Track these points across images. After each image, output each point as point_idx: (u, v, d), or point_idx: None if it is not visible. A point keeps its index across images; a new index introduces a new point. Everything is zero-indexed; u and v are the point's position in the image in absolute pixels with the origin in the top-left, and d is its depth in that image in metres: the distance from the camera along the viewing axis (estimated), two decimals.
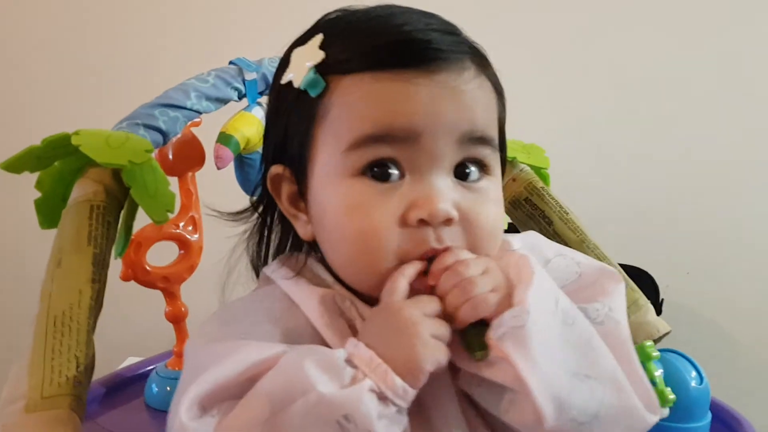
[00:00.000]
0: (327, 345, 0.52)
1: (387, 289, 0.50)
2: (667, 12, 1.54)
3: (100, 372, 0.63)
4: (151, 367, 0.91)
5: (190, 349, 0.54)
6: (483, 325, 0.49)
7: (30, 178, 0.69)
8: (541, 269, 0.53)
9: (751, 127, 1.56)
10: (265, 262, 0.62)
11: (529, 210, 0.89)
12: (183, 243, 0.83)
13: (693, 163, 1.58)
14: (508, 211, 0.90)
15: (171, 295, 0.82)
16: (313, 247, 0.59)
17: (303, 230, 0.58)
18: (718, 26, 1.54)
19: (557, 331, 0.49)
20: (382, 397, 0.45)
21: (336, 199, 0.53)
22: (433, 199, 0.51)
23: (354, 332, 0.52)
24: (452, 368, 0.51)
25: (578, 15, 1.55)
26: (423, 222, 0.51)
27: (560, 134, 1.52)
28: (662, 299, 1.46)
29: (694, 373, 0.81)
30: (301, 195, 0.57)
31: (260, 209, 0.62)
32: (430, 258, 0.52)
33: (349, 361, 0.46)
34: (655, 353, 0.76)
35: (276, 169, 0.58)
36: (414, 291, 0.51)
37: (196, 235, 0.84)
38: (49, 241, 0.64)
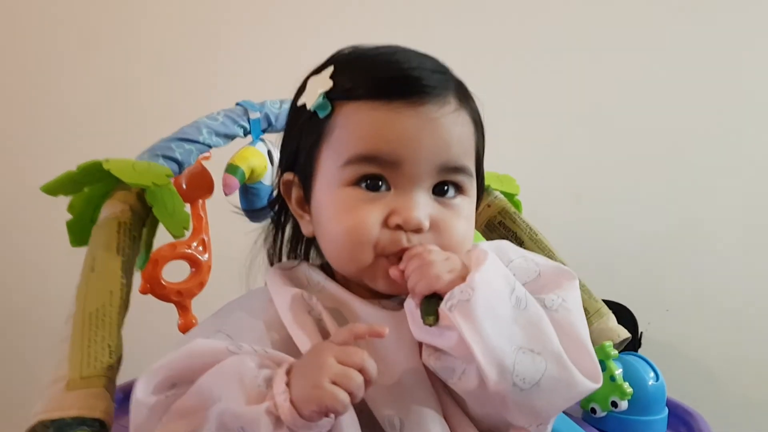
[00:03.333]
0: (291, 337, 0.60)
1: (335, 333, 0.58)
2: (645, 52, 1.61)
3: (118, 380, 0.69)
4: None
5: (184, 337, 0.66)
6: (437, 298, 0.56)
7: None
8: (498, 261, 0.61)
9: (728, 167, 1.62)
10: (279, 254, 0.72)
11: (503, 232, 0.98)
12: (194, 262, 0.92)
13: (670, 203, 1.63)
14: (483, 233, 1.00)
15: (183, 308, 0.91)
16: (312, 242, 0.69)
17: (306, 228, 0.68)
18: (693, 57, 1.60)
19: (508, 311, 0.57)
20: (277, 420, 0.51)
21: (333, 202, 0.63)
22: (410, 209, 0.60)
23: (320, 326, 0.62)
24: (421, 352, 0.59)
25: (558, 60, 1.61)
26: (399, 227, 0.60)
27: (540, 178, 1.58)
28: (641, 332, 1.52)
29: (651, 373, 0.90)
30: (306, 199, 0.67)
31: (275, 209, 0.72)
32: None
33: (268, 381, 0.53)
34: (614, 352, 0.86)
35: (288, 176, 0.68)
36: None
37: (206, 255, 0.93)
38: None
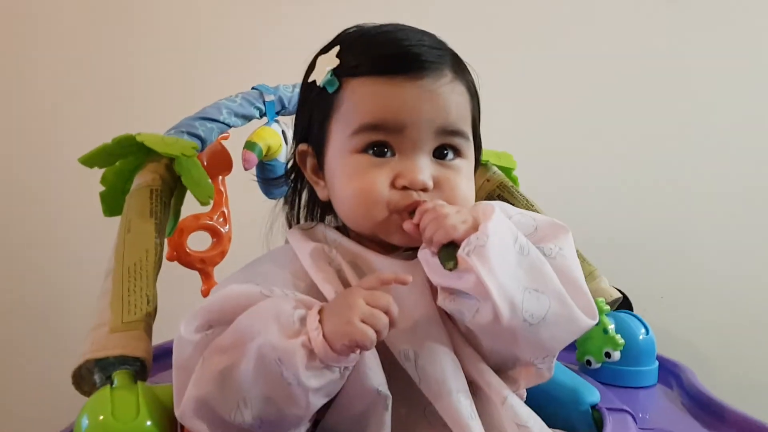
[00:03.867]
0: (317, 286, 0.66)
1: (363, 280, 0.63)
2: (636, 44, 1.64)
3: None
4: None
5: (212, 290, 0.72)
6: (454, 246, 0.62)
7: None
8: (502, 214, 0.65)
9: (722, 154, 1.62)
10: (297, 217, 0.79)
11: None
12: (215, 233, 0.99)
13: (664, 189, 1.64)
14: None
15: (206, 275, 0.97)
16: (328, 206, 0.75)
17: (321, 193, 0.75)
18: (680, 53, 1.62)
19: (514, 257, 0.62)
20: (311, 353, 0.56)
21: (344, 168, 0.69)
22: (414, 171, 0.67)
23: (340, 275, 0.68)
24: (434, 294, 0.65)
25: (549, 55, 1.64)
26: (406, 188, 0.67)
27: (534, 169, 1.61)
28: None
29: (642, 328, 0.97)
30: (320, 167, 0.74)
31: (292, 177, 0.79)
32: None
33: (302, 319, 0.58)
34: (606, 307, 0.92)
35: (302, 146, 0.75)
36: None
37: (227, 227, 1.00)
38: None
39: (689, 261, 1.66)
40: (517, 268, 0.62)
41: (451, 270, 0.61)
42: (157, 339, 0.73)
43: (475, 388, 0.65)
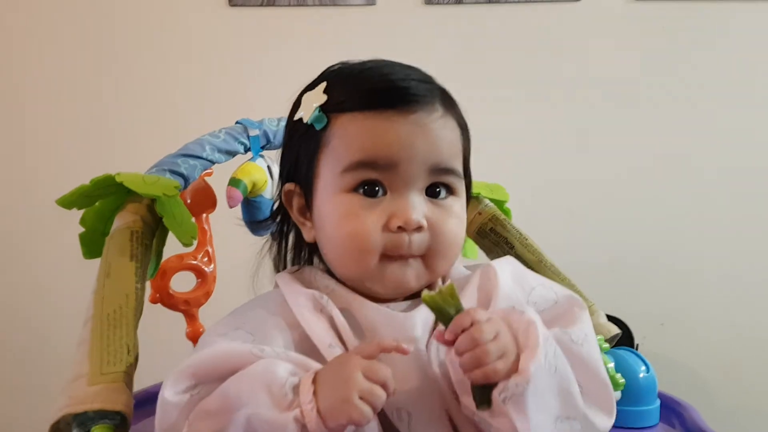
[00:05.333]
0: (308, 335, 0.63)
1: (359, 347, 0.60)
2: (634, 75, 1.67)
3: None
4: None
5: (201, 339, 0.68)
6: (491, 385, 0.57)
7: None
8: (544, 330, 0.60)
9: (724, 177, 1.65)
10: (284, 261, 0.76)
11: (494, 238, 1.01)
12: (200, 273, 0.96)
13: (665, 219, 1.67)
14: (475, 240, 1.03)
15: (191, 317, 0.94)
16: (315, 249, 0.72)
17: (308, 235, 0.72)
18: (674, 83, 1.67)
19: (547, 385, 0.58)
20: (303, 427, 0.54)
21: (334, 209, 0.66)
22: (408, 211, 0.64)
23: (332, 324, 0.64)
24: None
25: (547, 88, 1.68)
26: (401, 228, 0.64)
27: (532, 194, 1.61)
28: (637, 345, 1.56)
29: (642, 366, 0.94)
30: (307, 207, 0.71)
31: (278, 219, 0.76)
32: (446, 317, 0.59)
33: (295, 389, 0.56)
34: (605, 345, 0.90)
35: (289, 186, 0.72)
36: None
37: (211, 266, 0.97)
38: None
39: (690, 287, 1.68)
40: (549, 396, 0.59)
41: (484, 410, 0.58)
42: (140, 384, 0.71)
43: None
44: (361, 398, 0.54)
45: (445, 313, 0.59)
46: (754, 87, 1.69)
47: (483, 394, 0.57)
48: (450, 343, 0.58)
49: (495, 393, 0.57)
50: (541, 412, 0.57)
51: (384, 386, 0.55)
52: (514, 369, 0.57)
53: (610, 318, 1.48)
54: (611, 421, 0.62)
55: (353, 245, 0.65)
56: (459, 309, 0.60)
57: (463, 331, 0.58)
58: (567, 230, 1.67)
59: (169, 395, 0.58)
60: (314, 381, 0.56)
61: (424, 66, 0.70)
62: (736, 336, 1.67)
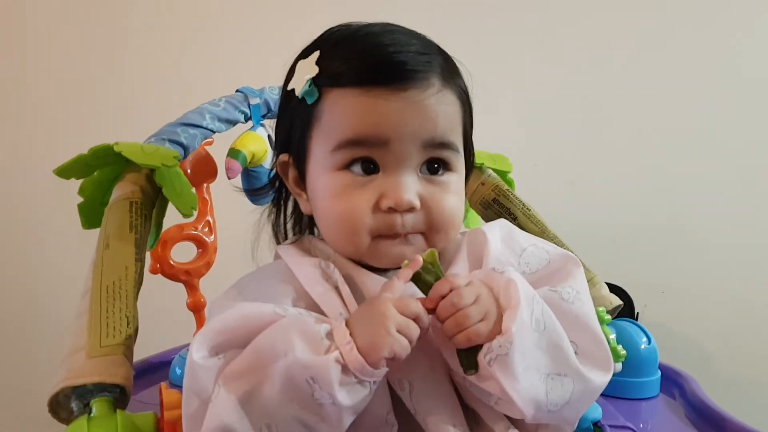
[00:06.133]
0: (316, 303, 0.62)
1: (386, 285, 0.60)
2: (636, 47, 1.65)
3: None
4: (174, 355, 1.02)
5: (210, 308, 0.66)
6: (476, 347, 0.57)
7: None
8: (525, 285, 0.60)
9: (725, 149, 1.64)
10: (284, 230, 0.75)
11: (497, 209, 1.00)
12: (200, 243, 0.96)
13: (667, 186, 1.65)
14: (479, 211, 1.03)
15: (192, 287, 0.94)
16: (313, 219, 0.71)
17: (304, 206, 0.71)
18: (685, 55, 1.64)
19: (533, 342, 0.57)
20: (345, 368, 0.53)
21: (325, 187, 0.65)
22: (399, 191, 0.62)
23: (338, 292, 0.63)
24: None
25: (552, 53, 1.65)
26: (391, 209, 0.62)
27: (535, 164, 1.60)
28: (637, 313, 1.54)
29: (644, 337, 0.94)
30: (301, 179, 0.70)
31: (276, 187, 0.75)
32: (427, 285, 0.60)
33: (329, 334, 0.55)
34: (607, 317, 0.89)
35: (283, 157, 0.71)
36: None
37: (212, 237, 0.97)
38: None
39: (691, 256, 1.67)
40: (537, 352, 0.58)
41: (472, 375, 0.58)
42: (140, 354, 0.70)
43: (476, 418, 0.62)
44: (398, 331, 0.55)
45: (425, 281, 0.60)
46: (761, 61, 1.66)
47: (469, 358, 0.57)
48: (432, 311, 0.58)
49: (480, 356, 0.57)
50: (529, 371, 0.57)
51: (417, 320, 0.56)
52: (497, 330, 0.57)
53: (611, 286, 1.48)
54: (608, 377, 0.61)
55: (344, 225, 0.64)
56: (439, 276, 0.60)
57: (442, 297, 0.58)
58: (569, 198, 1.66)
59: (198, 358, 0.57)
60: (347, 325, 0.56)
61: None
62: (737, 305, 1.66)
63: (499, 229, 0.69)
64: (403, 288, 0.59)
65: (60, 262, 1.47)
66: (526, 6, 1.66)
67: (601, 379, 0.60)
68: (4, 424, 1.60)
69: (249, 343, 0.57)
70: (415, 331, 0.56)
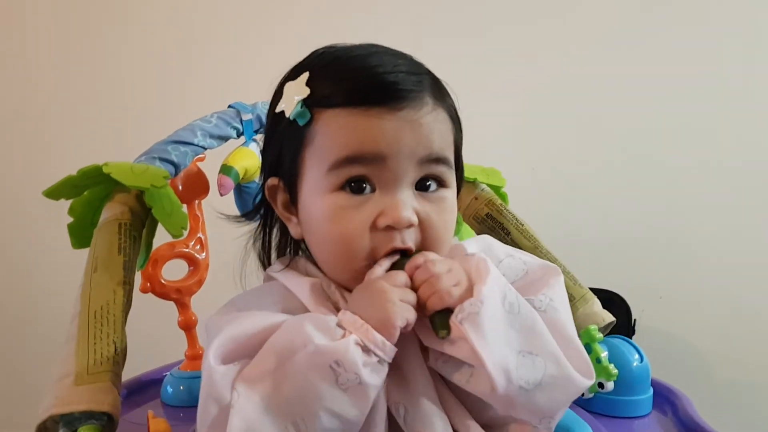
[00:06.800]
0: None
1: (368, 274, 0.61)
2: (634, 51, 1.64)
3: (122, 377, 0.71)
4: (165, 373, 1.01)
5: (209, 324, 0.64)
6: (447, 311, 0.59)
7: None
8: (496, 269, 0.62)
9: (722, 153, 1.64)
10: (268, 255, 0.74)
11: (490, 224, 1.00)
12: (192, 260, 0.95)
13: (664, 192, 1.65)
14: (473, 226, 1.02)
15: (183, 306, 0.94)
16: (302, 244, 0.71)
17: (294, 230, 0.69)
18: (680, 59, 1.64)
19: (504, 319, 0.59)
20: (365, 349, 0.55)
21: (320, 209, 0.64)
22: (398, 208, 0.62)
23: (338, 312, 0.62)
24: (424, 350, 0.62)
25: (551, 57, 1.65)
26: (390, 227, 0.62)
27: (532, 172, 1.62)
28: (635, 320, 1.55)
29: (636, 354, 0.93)
30: (292, 202, 0.69)
31: (261, 212, 0.74)
32: (401, 252, 0.63)
33: (339, 325, 0.57)
34: (599, 335, 0.89)
35: (272, 181, 0.69)
36: None
37: (204, 254, 0.96)
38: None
39: (688, 260, 1.67)
40: (509, 330, 0.59)
41: (443, 338, 0.59)
42: (132, 372, 0.70)
43: None
44: (401, 300, 0.58)
45: (401, 264, 0.62)
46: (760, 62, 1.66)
47: (442, 320, 0.59)
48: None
49: (452, 318, 0.58)
50: (500, 342, 0.58)
51: (409, 287, 0.60)
52: (468, 296, 0.59)
53: (608, 292, 1.49)
54: (589, 382, 0.61)
55: (341, 248, 0.63)
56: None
57: (417, 267, 0.61)
58: (566, 203, 1.66)
59: (215, 364, 0.57)
60: (352, 312, 0.58)
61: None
62: (734, 309, 1.66)
63: (476, 243, 0.70)
64: (383, 272, 0.61)
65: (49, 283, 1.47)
66: (525, 5, 1.65)
67: (581, 379, 0.60)
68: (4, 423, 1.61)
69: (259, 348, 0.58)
70: (412, 297, 0.59)
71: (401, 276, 0.60)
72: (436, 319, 0.59)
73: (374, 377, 0.56)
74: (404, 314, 0.58)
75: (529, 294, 0.63)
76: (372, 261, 0.63)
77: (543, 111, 1.65)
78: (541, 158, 1.64)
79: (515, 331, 0.59)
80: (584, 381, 0.60)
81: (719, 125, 1.64)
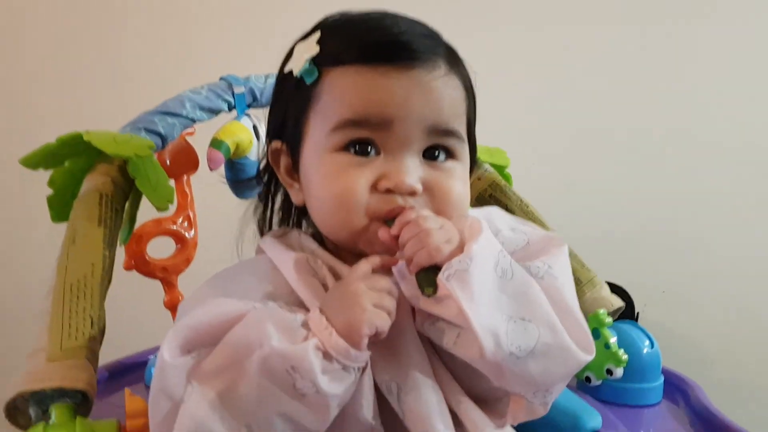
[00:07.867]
0: (301, 300, 0.59)
1: (353, 269, 0.58)
2: (637, 47, 1.63)
3: (103, 360, 0.69)
4: (150, 356, 0.98)
5: (181, 304, 0.63)
6: (435, 269, 0.56)
7: None
8: (489, 232, 0.60)
9: (723, 148, 1.61)
10: (270, 224, 0.71)
11: (494, 204, 0.97)
12: (179, 238, 0.91)
13: (667, 186, 1.63)
14: (474, 207, 0.99)
15: (169, 285, 0.90)
16: (303, 212, 0.68)
17: (296, 197, 0.67)
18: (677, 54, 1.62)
19: (495, 282, 0.56)
20: (326, 355, 0.52)
21: (321, 168, 0.61)
22: (401, 173, 0.59)
23: (325, 288, 0.60)
24: (414, 315, 0.59)
25: (552, 52, 1.63)
26: (390, 191, 0.59)
27: (533, 163, 1.59)
28: (638, 313, 1.53)
29: (646, 341, 0.89)
30: (295, 167, 0.66)
31: (265, 179, 0.71)
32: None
33: (304, 324, 0.54)
34: (608, 320, 0.85)
35: (276, 144, 0.67)
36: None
37: (192, 232, 0.92)
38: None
39: (691, 255, 1.65)
40: (500, 294, 0.56)
41: (429, 296, 0.56)
42: (114, 354, 0.66)
43: (457, 421, 0.58)
44: (375, 306, 0.54)
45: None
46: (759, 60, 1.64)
47: (428, 278, 0.56)
48: (395, 239, 0.58)
49: (440, 276, 0.55)
50: (490, 303, 0.55)
51: (389, 293, 0.56)
52: (458, 253, 0.56)
53: (611, 285, 1.46)
54: (587, 357, 0.58)
55: (339, 205, 0.60)
56: None
57: (407, 223, 0.58)
58: (568, 197, 1.63)
59: (168, 357, 0.53)
60: (321, 312, 0.55)
61: None
62: (737, 304, 1.64)
63: (479, 212, 0.67)
64: (369, 272, 0.58)
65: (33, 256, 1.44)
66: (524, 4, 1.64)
67: (578, 352, 0.57)
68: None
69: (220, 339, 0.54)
70: (390, 303, 0.56)
71: (382, 281, 0.57)
72: (422, 276, 0.57)
73: (334, 386, 0.52)
74: (374, 321, 0.54)
75: (526, 260, 0.61)
76: (372, 220, 0.60)
77: (545, 106, 1.63)
78: (542, 153, 1.61)
79: (507, 296, 0.56)
80: (582, 354, 0.57)
81: (724, 124, 1.62)
